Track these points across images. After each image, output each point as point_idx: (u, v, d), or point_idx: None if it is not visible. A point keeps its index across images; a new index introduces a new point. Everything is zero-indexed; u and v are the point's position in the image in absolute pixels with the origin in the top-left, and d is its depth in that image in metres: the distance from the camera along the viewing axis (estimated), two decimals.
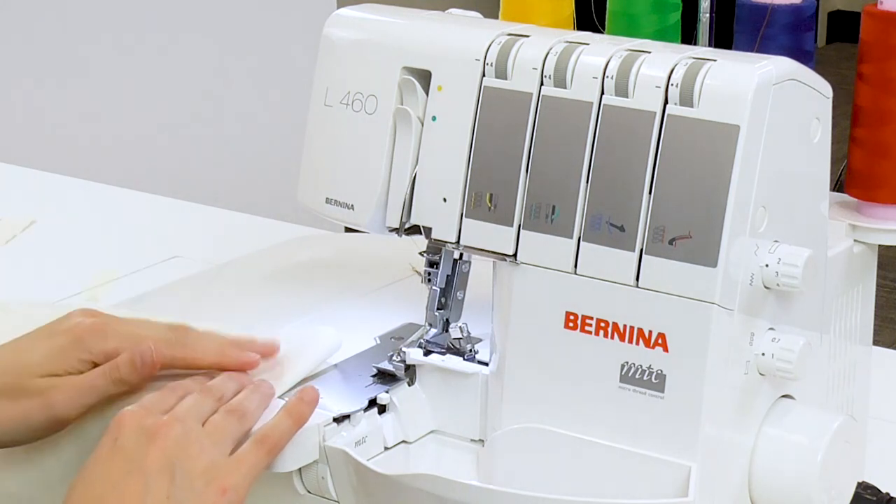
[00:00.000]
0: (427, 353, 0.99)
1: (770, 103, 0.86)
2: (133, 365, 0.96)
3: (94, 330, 0.98)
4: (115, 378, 0.96)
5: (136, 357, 0.96)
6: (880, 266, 1.04)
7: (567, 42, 0.92)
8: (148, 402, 0.93)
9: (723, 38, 1.20)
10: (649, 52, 0.89)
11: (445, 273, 0.99)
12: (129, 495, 0.88)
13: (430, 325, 1.00)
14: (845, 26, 5.46)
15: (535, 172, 0.91)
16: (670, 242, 0.87)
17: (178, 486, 0.88)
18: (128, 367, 0.96)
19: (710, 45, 0.99)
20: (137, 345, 0.97)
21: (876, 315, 1.06)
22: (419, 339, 1.00)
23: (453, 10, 1.02)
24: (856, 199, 1.03)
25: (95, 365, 0.97)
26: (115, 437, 0.90)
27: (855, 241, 1.01)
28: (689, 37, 1.24)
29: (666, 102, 0.87)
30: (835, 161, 0.95)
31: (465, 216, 0.94)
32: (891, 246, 1.02)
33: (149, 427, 0.90)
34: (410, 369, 1.00)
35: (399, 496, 0.91)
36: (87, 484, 0.89)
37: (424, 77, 0.96)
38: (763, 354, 0.89)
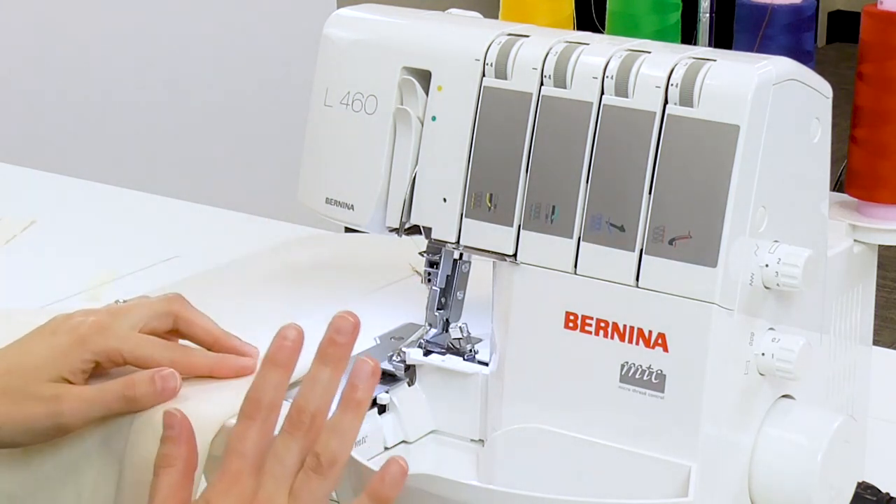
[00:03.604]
0: (427, 353, 0.99)
1: (770, 103, 0.86)
2: (153, 386, 0.94)
3: (96, 329, 0.96)
4: (130, 396, 0.94)
5: (157, 379, 0.94)
6: (880, 266, 1.04)
7: (567, 42, 0.92)
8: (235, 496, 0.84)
9: (723, 38, 1.20)
10: (649, 52, 0.89)
11: (445, 273, 0.99)
12: None
13: (430, 325, 1.00)
14: (845, 26, 5.47)
15: (535, 172, 0.91)
16: (670, 242, 0.87)
17: None
18: (146, 386, 0.94)
19: (710, 45, 0.99)
20: (139, 347, 0.96)
21: (876, 315, 1.06)
22: (419, 339, 1.00)
23: (453, 10, 1.02)
24: (856, 199, 1.03)
25: (98, 364, 0.97)
26: None
27: (855, 241, 1.01)
28: (689, 37, 1.24)
29: (666, 102, 0.87)
30: (835, 161, 0.95)
31: (465, 216, 0.94)
32: (891, 246, 1.02)
33: None
34: (410, 369, 1.00)
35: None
36: None
37: (424, 77, 0.96)
38: (763, 354, 0.89)
